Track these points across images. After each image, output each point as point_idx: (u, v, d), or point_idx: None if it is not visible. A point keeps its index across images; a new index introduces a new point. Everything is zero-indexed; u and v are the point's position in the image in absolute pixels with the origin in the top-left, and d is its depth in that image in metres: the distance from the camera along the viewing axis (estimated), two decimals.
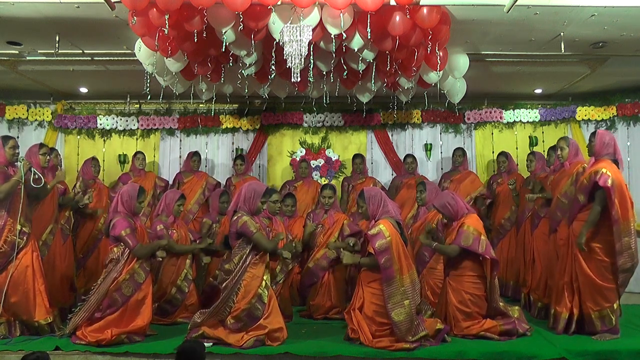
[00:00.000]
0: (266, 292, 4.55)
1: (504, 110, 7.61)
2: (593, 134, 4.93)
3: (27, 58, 5.80)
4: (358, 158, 7.14)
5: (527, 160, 6.50)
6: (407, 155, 7.21)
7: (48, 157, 5.38)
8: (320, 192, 6.06)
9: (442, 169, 7.62)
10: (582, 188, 4.77)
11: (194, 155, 7.09)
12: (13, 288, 4.63)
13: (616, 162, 4.75)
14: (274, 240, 4.70)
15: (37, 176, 4.82)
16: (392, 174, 7.59)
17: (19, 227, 4.69)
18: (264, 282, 4.55)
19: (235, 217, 4.57)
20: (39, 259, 4.82)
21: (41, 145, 5.36)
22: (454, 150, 7.16)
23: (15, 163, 4.81)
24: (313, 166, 7.58)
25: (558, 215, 5.27)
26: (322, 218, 5.92)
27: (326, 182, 7.55)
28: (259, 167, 7.72)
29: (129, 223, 4.64)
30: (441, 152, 7.69)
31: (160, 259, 4.84)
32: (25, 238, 4.73)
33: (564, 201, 5.17)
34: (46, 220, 5.30)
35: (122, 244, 4.61)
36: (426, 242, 4.95)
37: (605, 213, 4.62)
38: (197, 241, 5.68)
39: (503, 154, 6.91)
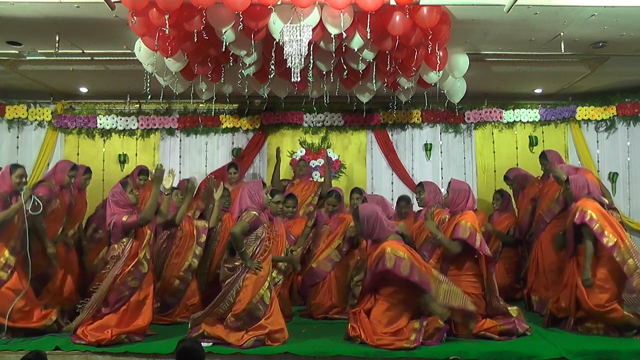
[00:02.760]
0: (269, 294, 4.56)
1: (504, 110, 7.60)
2: (567, 181, 5.07)
3: (27, 58, 5.81)
4: (355, 193, 6.34)
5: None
6: (401, 198, 6.46)
7: (74, 179, 5.46)
8: (326, 197, 5.99)
9: (442, 169, 7.62)
10: (569, 229, 4.98)
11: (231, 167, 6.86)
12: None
13: (599, 202, 4.91)
14: (247, 254, 4.53)
15: (36, 203, 4.81)
16: (392, 174, 7.59)
17: (3, 259, 4.67)
18: (267, 283, 4.56)
19: (245, 213, 4.60)
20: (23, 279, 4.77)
21: (73, 166, 5.48)
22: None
23: (20, 192, 4.79)
24: (313, 166, 7.58)
25: (540, 226, 5.81)
26: (327, 219, 5.91)
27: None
28: (259, 167, 7.71)
29: (126, 211, 4.65)
30: (441, 152, 7.68)
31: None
32: (9, 271, 4.67)
33: (546, 219, 5.73)
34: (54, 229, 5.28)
35: (123, 241, 4.60)
36: (434, 230, 4.85)
37: (597, 245, 4.75)
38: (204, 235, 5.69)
39: (542, 154, 6.27)
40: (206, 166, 7.61)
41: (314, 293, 5.66)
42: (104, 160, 7.55)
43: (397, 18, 4.34)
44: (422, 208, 5.63)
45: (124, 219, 4.57)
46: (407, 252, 4.45)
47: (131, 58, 5.42)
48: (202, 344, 4.26)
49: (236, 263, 4.56)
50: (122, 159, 7.55)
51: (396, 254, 4.39)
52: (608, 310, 4.68)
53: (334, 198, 5.89)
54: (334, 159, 7.64)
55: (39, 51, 5.59)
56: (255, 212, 4.58)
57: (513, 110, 7.60)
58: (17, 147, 7.44)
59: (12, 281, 4.69)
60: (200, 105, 7.46)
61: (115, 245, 4.64)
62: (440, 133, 7.70)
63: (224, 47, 4.47)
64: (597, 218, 4.72)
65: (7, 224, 4.71)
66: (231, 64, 5.11)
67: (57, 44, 5.19)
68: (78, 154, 7.54)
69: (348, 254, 5.75)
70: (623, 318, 4.69)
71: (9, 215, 4.67)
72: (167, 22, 4.13)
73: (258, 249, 4.58)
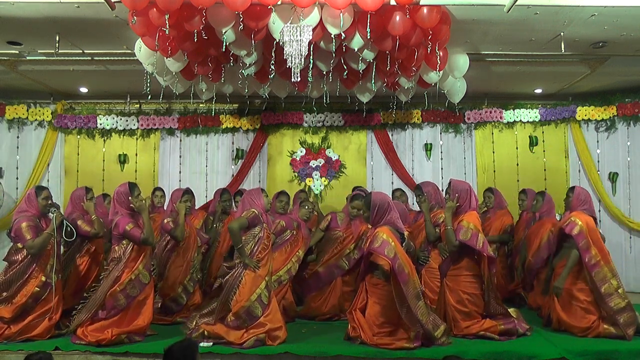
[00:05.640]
0: (267, 293, 4.56)
1: (504, 110, 7.61)
2: (571, 189, 5.08)
3: (27, 58, 5.82)
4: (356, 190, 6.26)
5: (518, 200, 6.31)
6: (396, 189, 6.62)
7: (95, 201, 5.30)
8: (350, 201, 5.60)
9: (442, 168, 7.62)
10: (556, 234, 5.04)
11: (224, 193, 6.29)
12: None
13: (594, 219, 4.90)
14: (245, 250, 4.53)
15: (69, 229, 4.76)
16: (392, 174, 7.60)
17: (43, 278, 4.63)
18: (264, 283, 4.56)
19: (245, 211, 4.64)
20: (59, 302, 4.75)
21: (87, 189, 5.27)
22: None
23: (48, 215, 4.74)
24: (313, 166, 7.59)
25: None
26: (346, 225, 5.64)
27: (326, 182, 7.57)
28: (259, 167, 7.71)
29: (131, 219, 4.61)
30: (441, 152, 7.69)
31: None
32: (48, 290, 4.63)
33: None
34: None
35: (123, 243, 4.59)
36: (448, 220, 4.74)
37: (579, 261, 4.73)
38: (206, 244, 5.77)
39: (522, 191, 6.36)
40: (206, 166, 7.62)
41: (316, 297, 5.57)
42: (104, 160, 7.57)
43: (397, 18, 4.35)
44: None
45: (128, 227, 4.52)
46: (395, 242, 4.41)
47: (131, 58, 5.43)
48: (202, 344, 4.29)
49: (235, 261, 4.57)
50: (122, 159, 7.55)
51: (384, 237, 4.39)
52: (586, 327, 4.70)
53: (361, 201, 5.19)
54: (334, 159, 7.65)
55: (39, 51, 5.59)
56: (254, 210, 4.60)
57: (513, 110, 7.60)
58: (17, 147, 7.46)
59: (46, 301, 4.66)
60: (200, 105, 7.47)
61: (116, 247, 4.63)
62: (440, 133, 7.71)
63: (224, 47, 4.47)
64: (586, 234, 4.70)
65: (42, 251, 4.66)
66: (231, 64, 5.12)
67: (57, 44, 5.20)
68: (78, 154, 7.56)
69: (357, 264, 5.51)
70: (601, 334, 4.66)
71: (45, 241, 4.62)
72: (167, 22, 4.14)
73: (256, 247, 4.57)
